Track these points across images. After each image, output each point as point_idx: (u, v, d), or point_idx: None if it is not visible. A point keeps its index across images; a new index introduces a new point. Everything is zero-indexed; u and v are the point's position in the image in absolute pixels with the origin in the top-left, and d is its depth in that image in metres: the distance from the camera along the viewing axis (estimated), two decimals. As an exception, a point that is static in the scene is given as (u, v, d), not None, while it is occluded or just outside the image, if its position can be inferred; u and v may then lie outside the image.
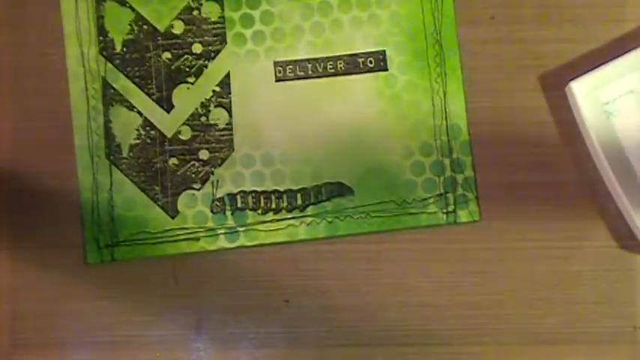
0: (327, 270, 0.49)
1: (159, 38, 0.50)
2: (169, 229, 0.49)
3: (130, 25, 0.50)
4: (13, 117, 0.50)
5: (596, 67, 0.48)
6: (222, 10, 0.50)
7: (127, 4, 0.50)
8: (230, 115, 0.50)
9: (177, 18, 0.50)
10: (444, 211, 0.49)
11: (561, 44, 0.50)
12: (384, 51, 0.50)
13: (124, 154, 0.50)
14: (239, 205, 0.49)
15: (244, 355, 0.50)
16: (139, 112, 0.50)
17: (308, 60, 0.49)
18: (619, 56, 0.48)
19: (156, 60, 0.50)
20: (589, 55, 0.50)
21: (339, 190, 0.49)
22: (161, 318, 0.49)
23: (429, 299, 0.49)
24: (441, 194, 0.49)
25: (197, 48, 0.50)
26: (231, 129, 0.50)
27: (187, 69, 0.50)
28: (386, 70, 0.50)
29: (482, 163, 0.50)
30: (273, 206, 0.49)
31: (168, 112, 0.50)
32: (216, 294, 0.49)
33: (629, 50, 0.48)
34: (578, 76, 0.48)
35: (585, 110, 0.47)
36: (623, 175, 0.48)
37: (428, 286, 0.49)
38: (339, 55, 0.50)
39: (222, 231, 0.49)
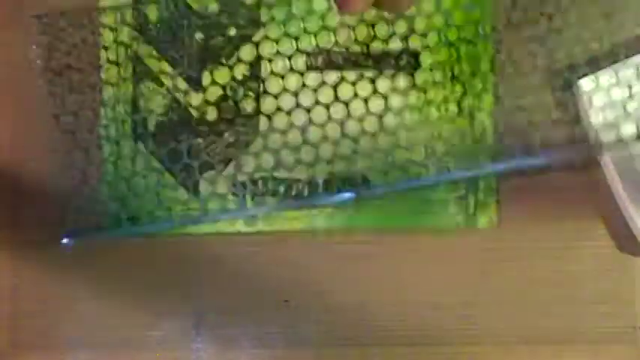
0: (327, 270, 0.49)
1: (193, 18, 0.50)
2: (189, 209, 0.49)
3: (165, 1, 0.50)
4: (13, 117, 0.50)
5: (604, 67, 0.48)
6: None
7: None
8: (258, 101, 0.50)
9: None
10: (464, 214, 0.49)
11: (563, 44, 0.50)
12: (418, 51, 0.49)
13: (150, 130, 0.50)
14: (260, 190, 0.49)
15: (244, 355, 0.50)
16: (168, 90, 0.50)
17: (339, 52, 0.49)
18: (628, 56, 0.48)
19: (188, 39, 0.50)
20: (596, 55, 0.50)
21: (361, 182, 0.49)
22: (161, 318, 0.50)
23: (429, 299, 0.49)
24: (461, 197, 0.49)
25: (231, 31, 0.50)
26: (258, 114, 0.50)
27: (219, 51, 0.50)
28: (417, 68, 0.49)
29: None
30: (294, 194, 0.49)
31: (196, 92, 0.50)
32: (216, 294, 0.50)
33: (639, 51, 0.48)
34: (586, 75, 0.48)
35: (592, 109, 0.47)
36: (626, 175, 0.47)
37: (428, 286, 0.49)
38: (371, 52, 0.49)
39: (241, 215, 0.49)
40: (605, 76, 0.48)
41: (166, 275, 0.50)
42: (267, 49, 0.50)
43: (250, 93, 0.50)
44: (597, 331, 0.49)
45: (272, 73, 0.49)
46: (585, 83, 0.48)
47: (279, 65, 0.50)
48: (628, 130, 0.47)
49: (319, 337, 0.49)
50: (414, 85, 0.49)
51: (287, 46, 0.50)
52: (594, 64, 0.48)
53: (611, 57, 0.48)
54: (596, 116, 0.47)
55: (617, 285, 0.49)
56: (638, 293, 0.49)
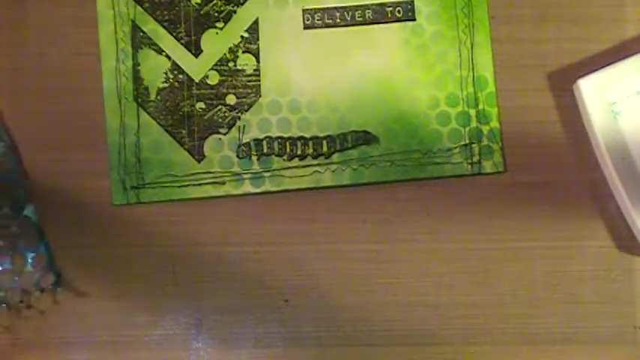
0: (327, 270, 0.50)
1: None
2: (195, 173, 0.50)
3: None
4: (13, 117, 0.50)
5: (604, 67, 0.48)
6: None
7: None
8: (258, 61, 0.50)
9: None
10: (469, 161, 0.49)
11: (563, 44, 0.50)
12: (413, 1, 0.50)
13: (152, 98, 0.50)
14: (265, 150, 0.50)
15: (244, 355, 0.50)
16: (168, 56, 0.50)
17: (336, 8, 0.50)
18: (628, 56, 0.48)
19: (185, 4, 0.50)
20: (596, 55, 0.50)
21: (365, 138, 0.49)
22: (161, 318, 0.50)
23: (429, 299, 0.49)
24: (466, 145, 0.49)
25: None
26: (258, 75, 0.50)
27: (216, 14, 0.50)
28: (414, 20, 0.50)
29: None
30: (299, 152, 0.49)
31: (196, 56, 0.50)
32: (216, 294, 0.50)
33: (638, 51, 0.48)
34: (586, 75, 0.48)
35: (592, 109, 0.47)
36: (626, 175, 0.47)
37: (428, 286, 0.49)
38: (368, 4, 0.50)
39: (247, 176, 0.50)
40: (606, 75, 0.48)
41: (166, 275, 0.50)
42: (263, 9, 0.50)
43: (250, 55, 0.50)
44: (597, 331, 0.49)
45: (269, 33, 0.50)
46: (585, 82, 0.48)
47: (277, 25, 0.50)
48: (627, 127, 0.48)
49: (319, 337, 0.49)
50: (413, 36, 0.50)
51: (284, 6, 0.50)
52: (593, 64, 0.48)
53: (610, 56, 0.48)
54: (597, 116, 0.47)
55: (617, 285, 0.49)
56: (638, 293, 0.49)
